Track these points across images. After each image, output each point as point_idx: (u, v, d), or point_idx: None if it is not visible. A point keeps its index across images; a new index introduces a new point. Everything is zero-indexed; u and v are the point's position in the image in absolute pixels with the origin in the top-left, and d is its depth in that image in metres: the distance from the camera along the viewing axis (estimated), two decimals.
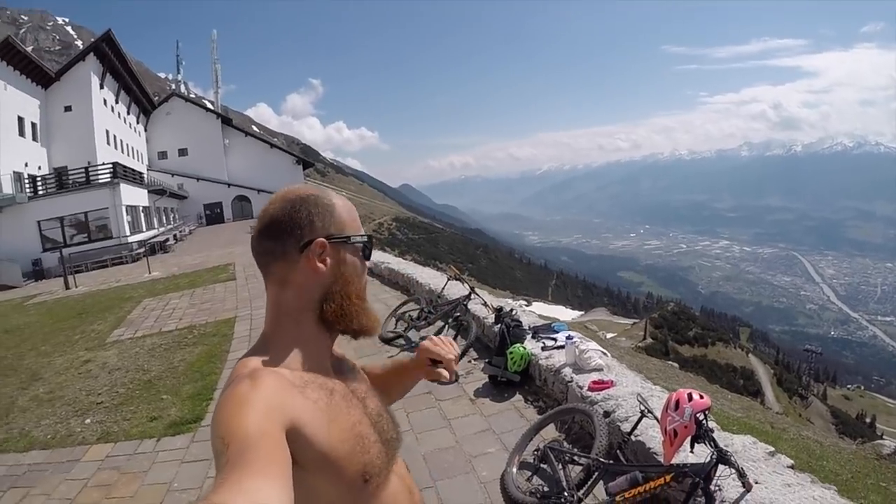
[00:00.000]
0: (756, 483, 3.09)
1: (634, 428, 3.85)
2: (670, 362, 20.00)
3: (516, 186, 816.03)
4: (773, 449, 3.57)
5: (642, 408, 3.72)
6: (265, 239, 1.22)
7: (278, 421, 0.99)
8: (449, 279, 9.11)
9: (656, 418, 3.59)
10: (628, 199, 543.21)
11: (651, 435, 3.84)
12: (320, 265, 1.22)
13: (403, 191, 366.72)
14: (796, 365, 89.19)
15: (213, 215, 59.28)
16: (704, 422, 2.96)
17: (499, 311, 7.02)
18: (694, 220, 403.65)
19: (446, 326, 7.87)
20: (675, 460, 3.14)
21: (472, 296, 8.03)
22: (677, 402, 3.03)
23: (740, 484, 3.01)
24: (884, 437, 24.34)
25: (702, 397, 3.02)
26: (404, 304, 8.85)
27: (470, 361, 6.74)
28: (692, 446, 3.00)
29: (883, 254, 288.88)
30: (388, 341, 7.81)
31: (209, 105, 68.54)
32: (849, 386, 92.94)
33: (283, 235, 1.20)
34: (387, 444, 1.26)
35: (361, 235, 1.25)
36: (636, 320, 78.71)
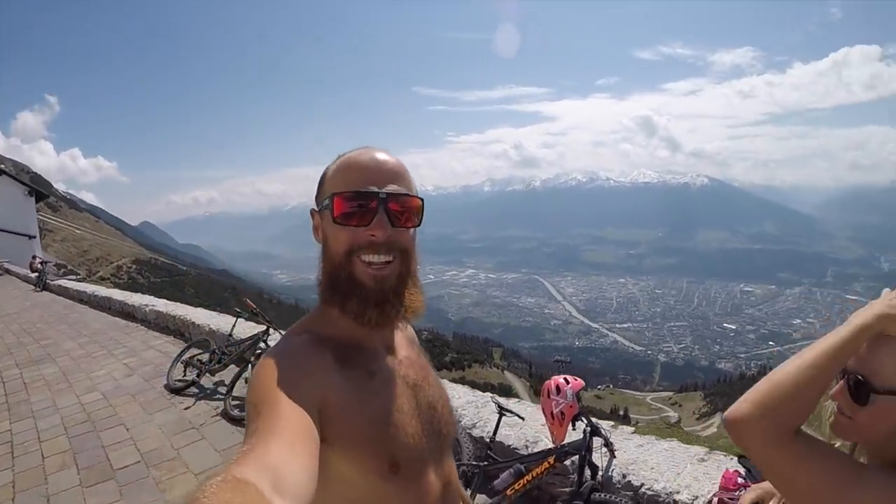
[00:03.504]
0: (616, 450, 3.61)
1: (496, 429, 4.22)
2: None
3: (264, 223, 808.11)
4: (613, 423, 4.33)
5: (500, 409, 4.20)
6: None
7: (311, 395, 0.99)
8: (240, 317, 8.74)
9: (517, 415, 4.23)
10: None
11: (506, 433, 4.38)
12: (316, 238, 1.27)
13: (144, 229, 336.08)
14: (549, 375, 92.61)
15: None
16: (580, 401, 3.49)
17: None
18: (441, 252, 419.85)
19: (247, 368, 7.11)
20: (562, 440, 3.57)
21: (271, 331, 7.50)
22: (558, 387, 3.52)
23: (606, 452, 3.51)
24: (638, 423, 26.04)
25: (575, 379, 3.56)
26: (190, 347, 8.41)
27: None
28: (573, 424, 3.48)
29: (615, 271, 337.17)
30: (178, 391, 7.48)
31: None
32: (599, 386, 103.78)
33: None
34: (431, 437, 1.24)
35: (328, 196, 1.19)
36: None
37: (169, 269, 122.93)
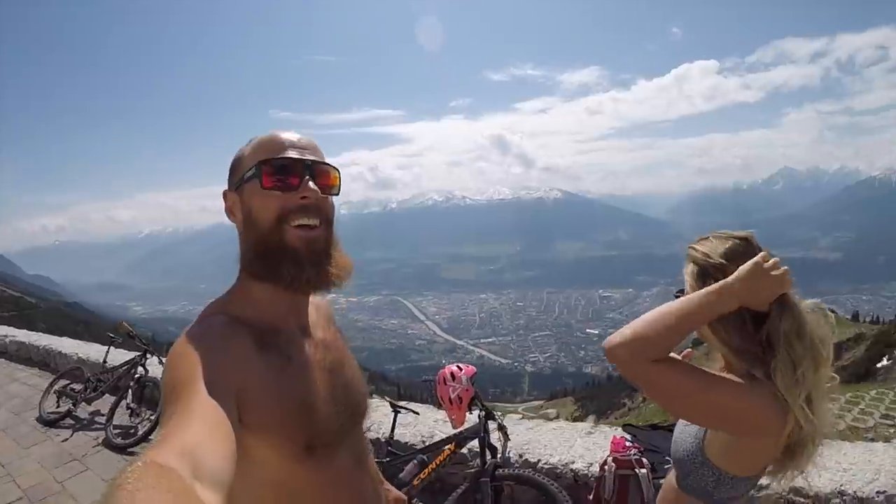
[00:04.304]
0: (510, 433, 3.87)
1: (393, 427, 4.39)
2: None
3: (117, 252, 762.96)
4: (500, 412, 4.25)
5: (394, 407, 4.41)
6: None
7: (230, 378, 0.99)
8: (113, 343, 8.16)
9: (411, 410, 4.67)
10: (234, 262, 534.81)
11: (401, 432, 4.57)
12: (231, 218, 1.26)
13: None
14: (418, 396, 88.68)
15: None
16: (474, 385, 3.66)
17: None
18: None
19: (126, 394, 6.74)
20: (464, 425, 3.76)
21: (148, 355, 7.02)
22: (452, 374, 3.67)
23: (500, 437, 3.77)
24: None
25: (467, 366, 3.74)
26: (61, 377, 7.93)
27: None
28: (469, 409, 3.64)
29: (476, 287, 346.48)
30: (52, 423, 6.97)
31: None
32: None
33: None
34: (346, 418, 1.28)
35: (254, 165, 1.20)
36: None
37: (17, 302, 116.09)
